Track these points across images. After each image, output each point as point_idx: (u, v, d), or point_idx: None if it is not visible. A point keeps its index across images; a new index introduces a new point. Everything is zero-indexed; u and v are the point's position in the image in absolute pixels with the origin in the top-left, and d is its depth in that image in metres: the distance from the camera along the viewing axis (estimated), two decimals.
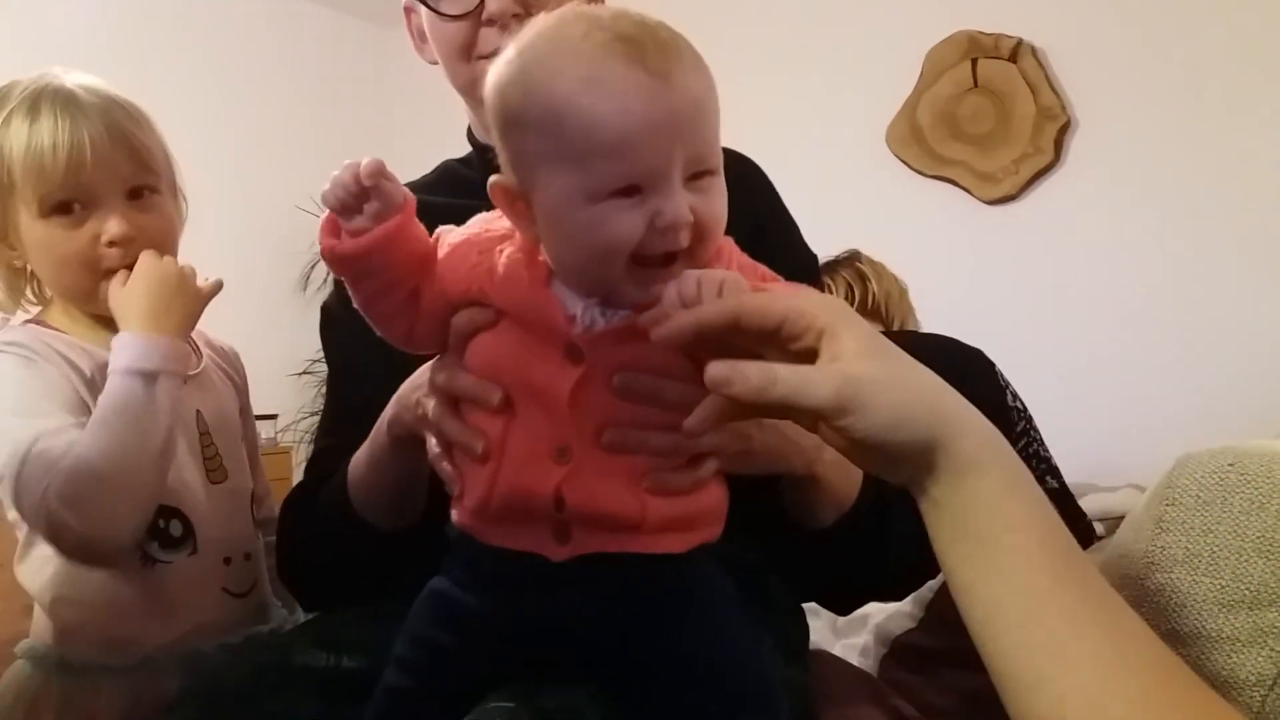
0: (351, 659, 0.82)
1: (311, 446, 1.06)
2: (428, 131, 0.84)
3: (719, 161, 0.64)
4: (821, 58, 3.42)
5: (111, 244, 1.03)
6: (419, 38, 1.01)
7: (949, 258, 3.10)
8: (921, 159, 3.21)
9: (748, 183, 0.97)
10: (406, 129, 4.18)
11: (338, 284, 1.06)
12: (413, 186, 1.06)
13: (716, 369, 0.55)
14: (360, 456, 0.86)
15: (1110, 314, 2.87)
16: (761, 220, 0.96)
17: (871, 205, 3.25)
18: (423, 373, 0.75)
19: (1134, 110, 2.85)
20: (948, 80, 3.15)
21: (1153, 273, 2.81)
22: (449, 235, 0.71)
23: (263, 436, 3.73)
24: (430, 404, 0.71)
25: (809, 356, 0.56)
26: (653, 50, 0.61)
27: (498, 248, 0.68)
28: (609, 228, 0.61)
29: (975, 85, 3.11)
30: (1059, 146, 2.97)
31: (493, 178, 0.67)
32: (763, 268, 0.70)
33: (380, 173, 0.65)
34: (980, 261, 3.09)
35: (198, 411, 1.11)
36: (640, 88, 0.60)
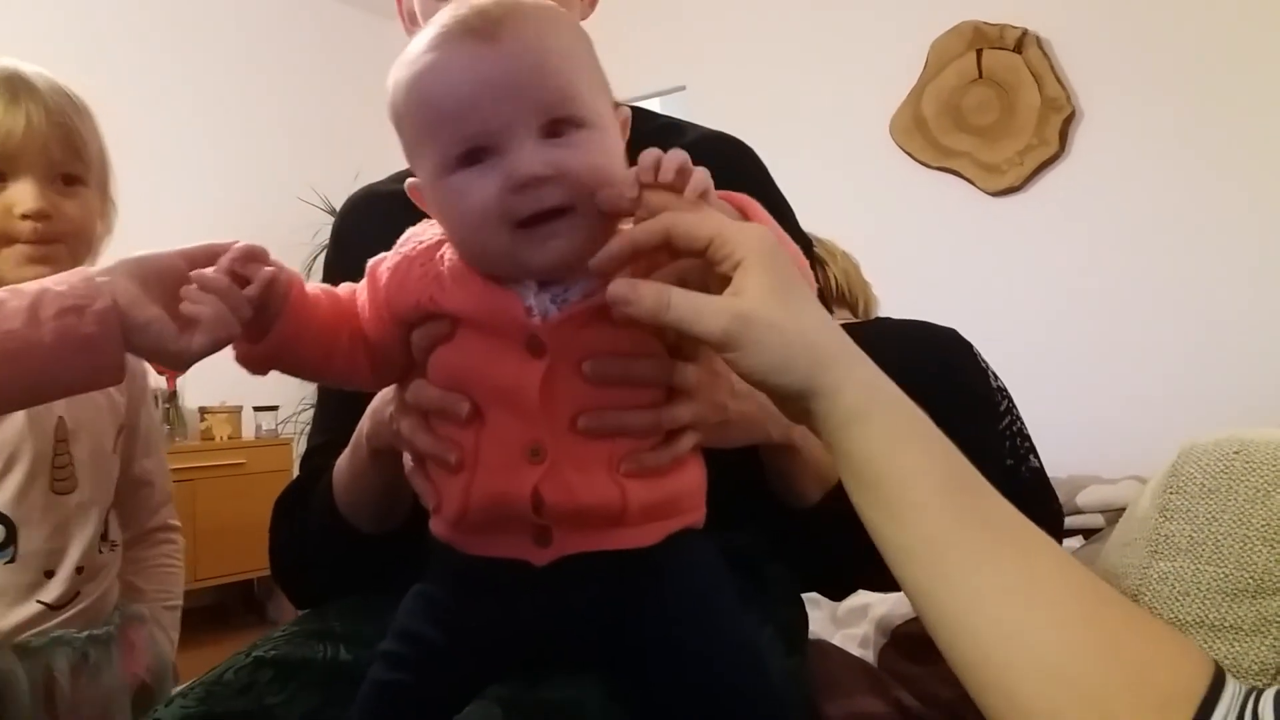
0: (349, 651, 0.82)
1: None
2: None
3: (586, 113, 0.62)
4: (826, 49, 3.41)
5: (24, 217, 1.03)
6: (409, 20, 1.00)
7: (953, 249, 3.09)
8: (926, 150, 3.20)
9: (739, 165, 0.97)
10: None
11: (325, 277, 1.05)
12: (400, 177, 1.05)
13: (618, 285, 0.58)
14: (342, 465, 0.86)
15: (1114, 305, 2.87)
16: (761, 200, 0.96)
17: (876, 196, 3.25)
18: (393, 387, 0.75)
19: (1138, 101, 2.84)
20: (952, 71, 3.14)
21: (1157, 263, 2.80)
22: (381, 264, 0.69)
23: (264, 428, 3.79)
24: (403, 421, 0.70)
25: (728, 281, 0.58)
26: (481, 20, 0.61)
27: (436, 254, 0.67)
28: (466, 197, 0.61)
29: (980, 76, 3.10)
30: (1063, 138, 2.96)
31: (408, 180, 0.68)
32: None
33: (228, 283, 0.65)
34: (985, 252, 3.08)
35: (60, 418, 1.09)
36: (466, 53, 0.61)
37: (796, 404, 0.57)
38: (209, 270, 0.65)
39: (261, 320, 0.66)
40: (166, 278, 0.67)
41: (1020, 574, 0.51)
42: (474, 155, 0.61)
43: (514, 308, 0.64)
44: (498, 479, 0.64)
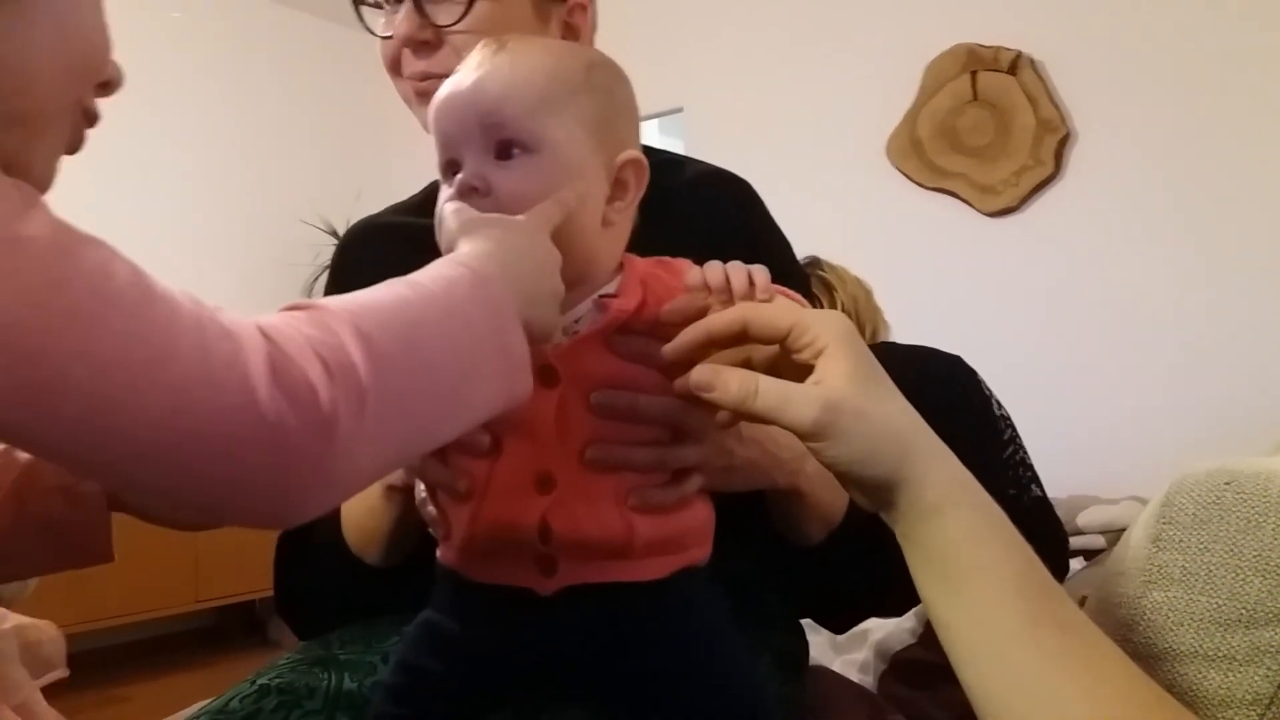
0: (353, 679, 0.82)
1: None
2: (427, 148, 0.85)
3: (533, 139, 0.65)
4: (822, 71, 3.43)
5: None
6: (392, 70, 1.03)
7: (949, 270, 3.10)
8: (922, 171, 3.22)
9: (737, 202, 0.98)
10: (406, 144, 4.22)
11: None
12: (400, 208, 1.08)
13: (702, 372, 0.58)
14: (353, 501, 0.87)
15: (1111, 325, 2.87)
16: (757, 236, 0.97)
17: (872, 217, 3.26)
18: None
19: (1133, 122, 2.86)
20: (947, 93, 3.16)
21: (1153, 284, 2.81)
22: None
23: None
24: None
25: (808, 369, 0.58)
26: (475, 56, 0.68)
27: None
28: (439, 205, 0.66)
29: (975, 98, 3.12)
30: (1059, 158, 2.98)
31: None
32: None
33: None
34: (981, 273, 3.10)
35: None
36: (454, 81, 0.67)
37: (878, 494, 0.57)
38: None
39: None
40: None
41: (1088, 678, 0.52)
42: (451, 166, 0.67)
43: None
44: (505, 507, 0.65)
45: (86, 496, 0.61)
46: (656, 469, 0.68)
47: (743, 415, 0.58)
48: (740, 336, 0.60)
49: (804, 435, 0.56)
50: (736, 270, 0.63)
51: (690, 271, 0.65)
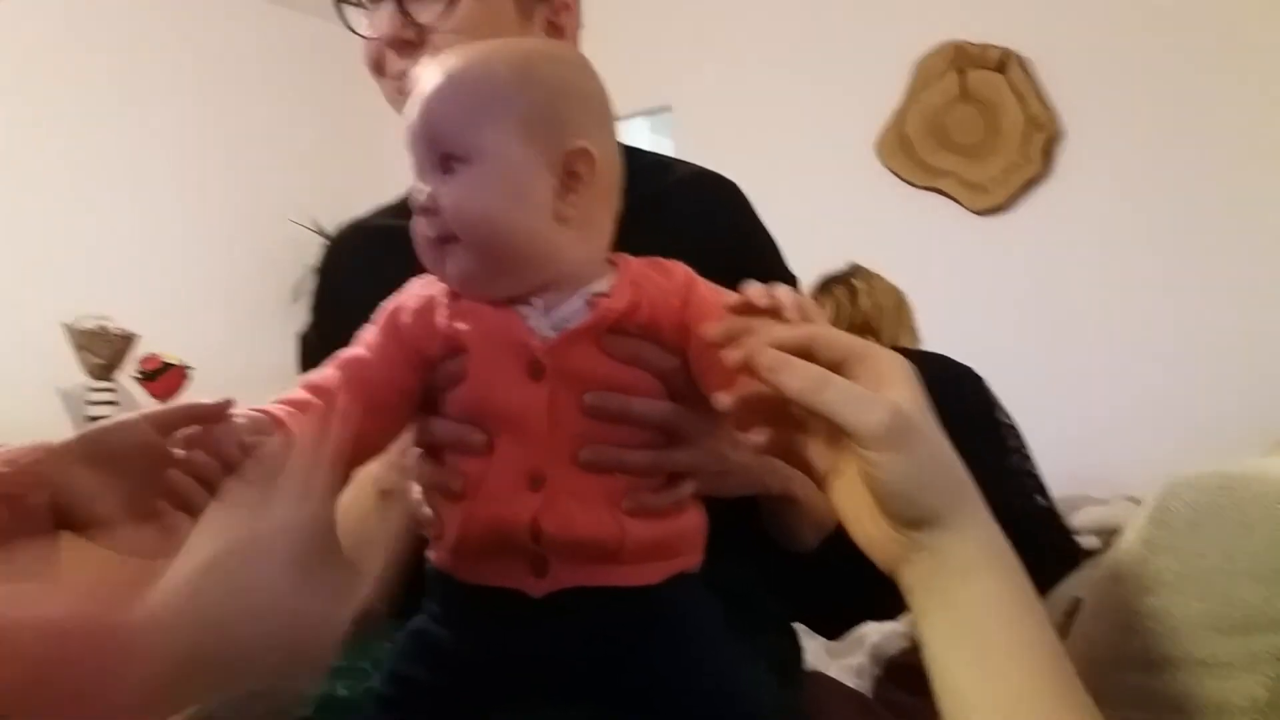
0: (344, 687, 0.82)
1: None
2: None
3: (463, 150, 0.66)
4: (810, 69, 3.43)
5: None
6: (375, 70, 1.02)
7: (939, 268, 3.10)
8: (911, 169, 3.22)
9: (724, 202, 0.98)
10: (394, 144, 4.20)
11: (313, 314, 1.06)
12: (388, 210, 1.07)
13: (773, 357, 0.55)
14: (345, 506, 0.86)
15: (1100, 324, 2.88)
16: (746, 238, 0.97)
17: (861, 216, 3.26)
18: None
19: (1122, 120, 2.86)
20: (936, 91, 3.16)
21: (1142, 282, 2.82)
22: (401, 310, 0.70)
23: None
24: (412, 455, 0.71)
25: None
26: (422, 73, 0.69)
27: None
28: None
29: (963, 96, 3.12)
30: (1047, 156, 2.98)
31: None
32: (732, 294, 0.70)
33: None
34: (970, 271, 3.10)
35: None
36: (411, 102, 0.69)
37: (912, 529, 0.54)
38: (183, 480, 0.62)
39: None
40: (132, 451, 0.62)
41: None
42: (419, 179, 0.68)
43: (516, 327, 0.65)
44: (497, 506, 0.65)
45: (33, 509, 0.59)
46: (649, 472, 0.67)
47: (805, 407, 0.54)
48: (803, 354, 0.57)
49: (868, 441, 0.52)
50: (781, 289, 0.61)
51: (727, 294, 0.64)
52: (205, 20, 4.05)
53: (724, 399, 0.60)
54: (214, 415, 0.62)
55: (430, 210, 0.66)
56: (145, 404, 3.53)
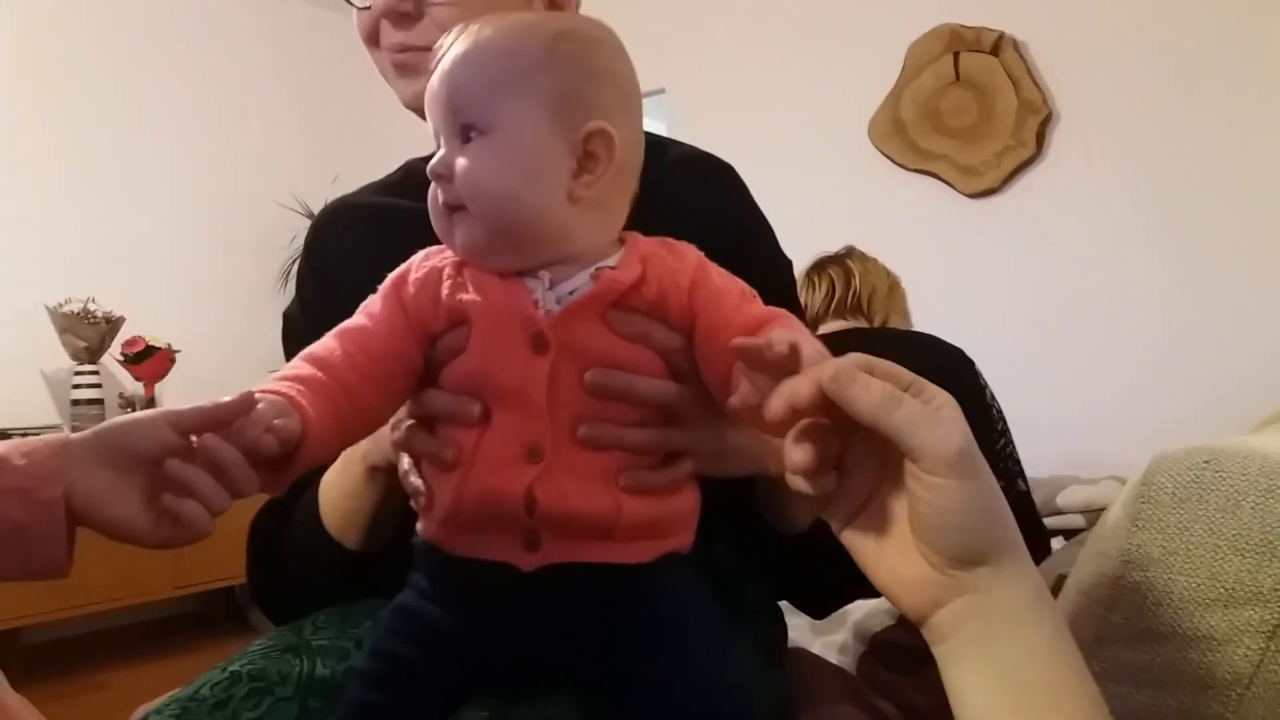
0: (325, 665, 0.81)
1: None
2: (408, 129, 0.86)
3: (484, 121, 0.66)
4: (803, 52, 3.42)
5: None
6: (370, 41, 1.01)
7: (932, 251, 3.10)
8: (904, 153, 3.21)
9: (719, 184, 0.97)
10: (387, 126, 4.19)
11: (299, 291, 1.05)
12: (375, 187, 1.06)
13: (846, 370, 0.51)
14: (330, 483, 0.85)
15: (1092, 306, 2.88)
16: (741, 221, 0.96)
17: (855, 199, 3.26)
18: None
19: (1115, 103, 2.86)
20: (930, 74, 3.15)
21: (1134, 265, 2.82)
22: (407, 279, 0.69)
23: None
24: (404, 427, 0.71)
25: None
26: (446, 42, 0.69)
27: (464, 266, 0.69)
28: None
29: (957, 79, 3.11)
30: (1041, 139, 2.98)
31: None
32: (742, 283, 0.69)
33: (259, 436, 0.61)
34: (963, 254, 3.10)
35: None
36: (434, 70, 0.69)
37: (962, 566, 0.51)
38: (184, 468, 0.61)
39: (279, 465, 0.63)
40: (150, 450, 0.62)
41: None
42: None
43: (523, 299, 0.65)
44: (492, 476, 0.64)
45: (47, 504, 0.59)
46: (649, 450, 0.67)
47: (872, 424, 0.51)
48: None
49: (938, 465, 0.50)
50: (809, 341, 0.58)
51: (738, 282, 0.67)
52: (196, 5, 4.02)
53: (734, 402, 0.58)
54: (236, 415, 0.60)
55: (443, 177, 0.66)
56: (130, 387, 3.52)
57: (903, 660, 1.24)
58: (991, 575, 0.51)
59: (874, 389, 0.51)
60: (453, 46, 0.68)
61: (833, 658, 1.31)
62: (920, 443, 0.50)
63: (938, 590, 0.52)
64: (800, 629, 1.45)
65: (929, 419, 0.50)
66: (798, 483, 0.54)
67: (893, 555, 0.54)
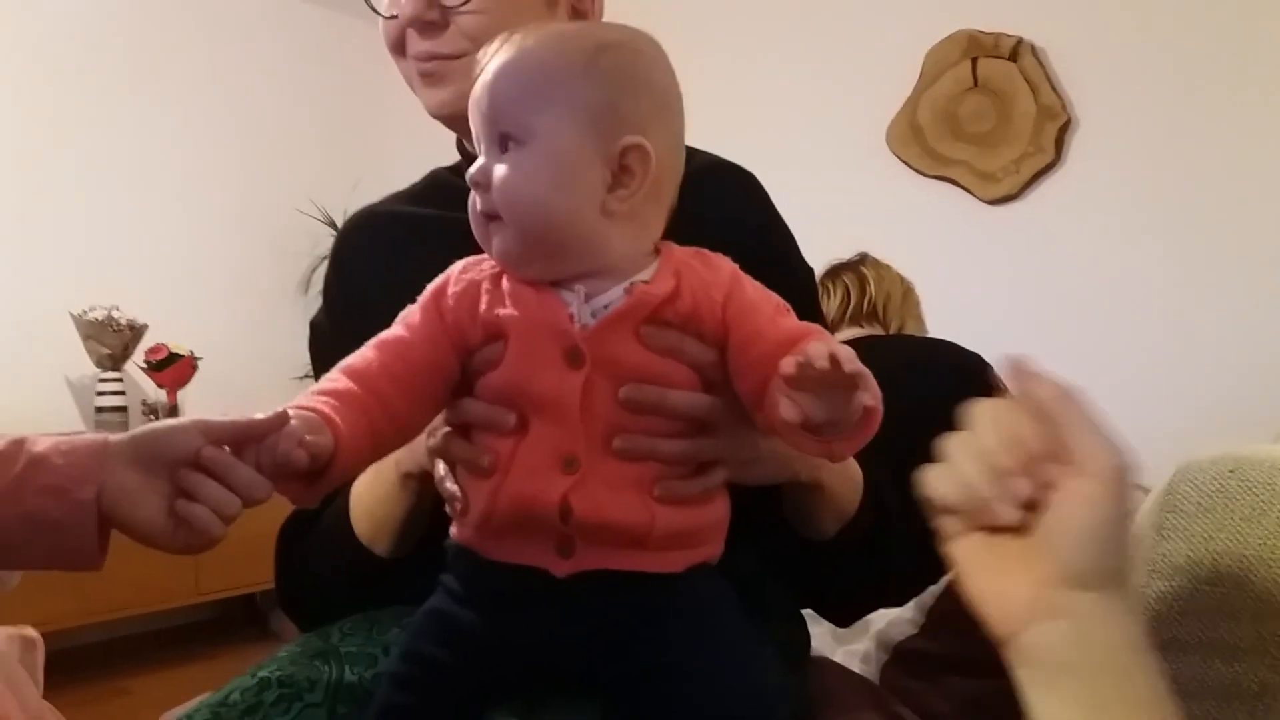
0: (354, 671, 0.82)
1: None
2: (425, 136, 0.86)
3: (521, 131, 0.67)
4: (821, 58, 3.41)
5: None
6: (395, 50, 1.02)
7: (950, 257, 3.09)
8: (922, 159, 3.20)
9: (742, 193, 0.97)
10: (403, 132, 4.22)
11: (325, 300, 1.05)
12: (400, 196, 1.07)
13: (1026, 358, 0.53)
14: (361, 490, 0.86)
15: (1111, 313, 2.86)
16: (763, 230, 0.96)
17: (872, 205, 3.25)
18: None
19: (1134, 109, 2.84)
20: (948, 79, 3.15)
21: (1153, 272, 2.80)
22: (446, 292, 0.70)
23: None
24: (440, 434, 0.72)
25: None
26: (489, 51, 0.70)
27: (503, 277, 0.69)
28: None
29: (975, 84, 3.10)
30: (1059, 146, 2.97)
31: None
32: (775, 296, 0.70)
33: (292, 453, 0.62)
34: (981, 261, 3.08)
35: None
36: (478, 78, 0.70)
37: (1084, 586, 0.50)
38: (193, 474, 0.64)
39: (311, 478, 0.65)
40: (182, 456, 0.64)
41: None
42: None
43: (558, 313, 0.66)
44: (528, 483, 0.65)
45: (80, 503, 0.61)
46: (683, 461, 0.68)
47: (1044, 418, 0.52)
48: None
49: (1105, 469, 0.51)
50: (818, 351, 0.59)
51: (772, 295, 0.68)
52: (214, 10, 4.05)
53: (790, 410, 0.59)
54: (269, 431, 0.62)
55: (481, 185, 0.67)
56: (153, 394, 3.54)
57: (925, 668, 1.24)
58: (1095, 604, 0.49)
59: (1051, 386, 0.52)
60: (495, 56, 0.69)
61: (855, 667, 1.30)
62: (1092, 445, 0.50)
63: (1033, 609, 0.51)
64: (822, 638, 1.45)
65: (1098, 426, 0.51)
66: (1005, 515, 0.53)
67: (1000, 566, 0.53)
